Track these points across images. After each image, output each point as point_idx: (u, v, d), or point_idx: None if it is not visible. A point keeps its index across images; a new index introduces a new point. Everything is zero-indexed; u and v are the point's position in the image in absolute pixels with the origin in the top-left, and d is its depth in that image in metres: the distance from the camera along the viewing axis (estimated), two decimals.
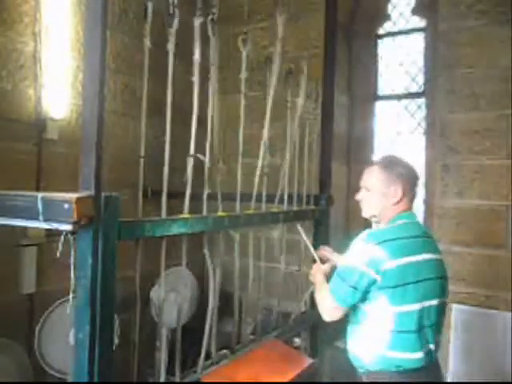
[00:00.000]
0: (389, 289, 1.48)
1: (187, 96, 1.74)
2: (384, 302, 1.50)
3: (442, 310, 1.60)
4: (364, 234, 1.58)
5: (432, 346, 1.55)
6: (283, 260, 2.39)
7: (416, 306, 1.50)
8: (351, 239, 1.63)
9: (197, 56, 1.69)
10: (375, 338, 1.54)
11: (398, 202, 1.63)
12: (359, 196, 1.74)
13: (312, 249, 2.16)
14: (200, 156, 1.70)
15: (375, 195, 1.66)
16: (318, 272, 1.87)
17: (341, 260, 1.81)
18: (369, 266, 1.49)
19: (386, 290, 1.49)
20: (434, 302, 1.55)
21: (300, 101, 2.36)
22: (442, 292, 1.60)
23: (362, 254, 1.52)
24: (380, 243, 1.50)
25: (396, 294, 1.49)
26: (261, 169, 2.14)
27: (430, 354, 1.54)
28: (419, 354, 1.50)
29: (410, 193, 1.65)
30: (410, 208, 1.67)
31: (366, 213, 1.72)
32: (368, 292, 1.52)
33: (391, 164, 1.67)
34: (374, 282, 1.49)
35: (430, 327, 1.54)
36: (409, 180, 1.65)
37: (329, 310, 1.63)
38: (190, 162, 1.68)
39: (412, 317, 1.50)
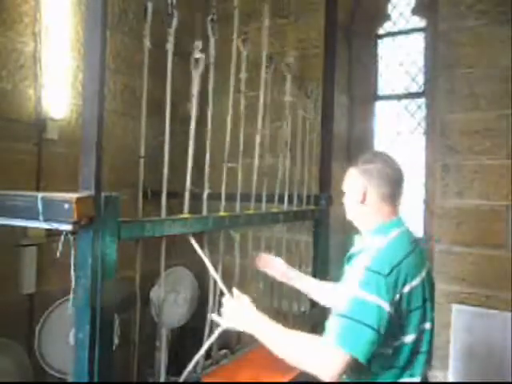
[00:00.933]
0: (397, 319, 1.30)
1: (188, 96, 1.74)
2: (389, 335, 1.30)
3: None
4: (366, 260, 1.33)
5: (428, 367, 1.42)
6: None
7: (415, 333, 1.35)
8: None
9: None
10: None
11: (363, 201, 1.45)
12: (343, 199, 1.60)
13: (216, 276, 1.73)
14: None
15: (348, 196, 1.53)
16: (245, 311, 1.45)
17: (337, 292, 1.54)
18: (383, 299, 1.25)
19: (394, 320, 1.29)
20: (429, 325, 1.41)
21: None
22: (434, 308, 1.47)
23: (373, 286, 1.26)
24: (389, 274, 1.28)
25: (402, 324, 1.32)
26: (259, 168, 2.15)
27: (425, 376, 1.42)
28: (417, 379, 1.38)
29: (379, 190, 1.44)
30: (395, 213, 1.47)
31: (347, 216, 1.58)
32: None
33: (361, 161, 1.49)
34: (389, 316, 1.26)
35: (428, 351, 1.40)
36: (378, 177, 1.43)
37: (338, 365, 1.23)
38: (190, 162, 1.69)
39: (410, 345, 1.34)
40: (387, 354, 1.33)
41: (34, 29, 2.51)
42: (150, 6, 1.60)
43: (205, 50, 1.76)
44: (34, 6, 2.51)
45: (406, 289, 1.31)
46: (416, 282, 1.35)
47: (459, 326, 2.72)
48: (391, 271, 1.28)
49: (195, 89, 1.66)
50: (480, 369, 2.66)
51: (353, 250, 1.54)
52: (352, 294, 1.28)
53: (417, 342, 1.36)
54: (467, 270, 2.76)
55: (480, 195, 2.76)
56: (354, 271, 1.34)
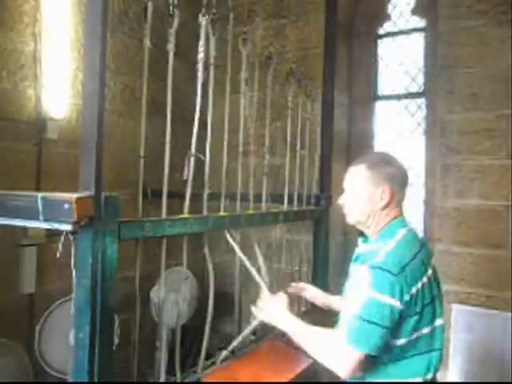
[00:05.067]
0: (409, 317, 1.33)
1: (187, 96, 1.74)
2: (400, 331, 1.34)
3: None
4: (376, 261, 1.33)
5: (438, 367, 1.42)
6: (283, 260, 2.39)
7: (428, 329, 1.38)
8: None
9: (201, 55, 1.72)
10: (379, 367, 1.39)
11: (385, 207, 1.44)
12: (342, 200, 1.54)
13: (252, 270, 1.87)
14: (201, 156, 1.71)
15: (359, 199, 1.46)
16: (277, 307, 1.54)
17: (344, 299, 1.52)
18: (395, 298, 1.28)
19: (406, 319, 1.33)
20: (441, 321, 1.43)
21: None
22: (442, 304, 1.49)
23: (385, 286, 1.29)
24: (399, 273, 1.30)
25: (414, 321, 1.34)
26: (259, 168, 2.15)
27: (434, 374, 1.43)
28: (424, 378, 1.39)
29: (399, 195, 1.46)
30: (401, 213, 1.48)
31: (350, 219, 1.53)
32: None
33: (378, 163, 1.46)
34: (400, 313, 1.30)
35: (440, 348, 1.42)
36: (398, 181, 1.46)
37: (351, 363, 1.29)
38: (191, 161, 1.68)
39: (424, 339, 1.37)
40: (407, 344, 1.36)
41: (34, 29, 2.52)
42: (150, 5, 1.60)
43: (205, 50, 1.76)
44: (34, 6, 2.51)
45: (416, 287, 1.34)
46: (424, 280, 1.37)
47: (459, 325, 2.72)
48: (401, 270, 1.31)
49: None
50: (480, 369, 2.66)
51: (360, 251, 1.54)
52: (365, 295, 1.31)
53: (430, 338, 1.39)
54: (467, 270, 2.76)
55: (480, 195, 2.76)
56: (363, 272, 1.35)
